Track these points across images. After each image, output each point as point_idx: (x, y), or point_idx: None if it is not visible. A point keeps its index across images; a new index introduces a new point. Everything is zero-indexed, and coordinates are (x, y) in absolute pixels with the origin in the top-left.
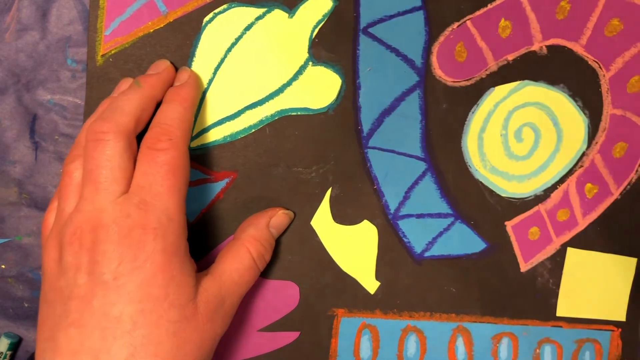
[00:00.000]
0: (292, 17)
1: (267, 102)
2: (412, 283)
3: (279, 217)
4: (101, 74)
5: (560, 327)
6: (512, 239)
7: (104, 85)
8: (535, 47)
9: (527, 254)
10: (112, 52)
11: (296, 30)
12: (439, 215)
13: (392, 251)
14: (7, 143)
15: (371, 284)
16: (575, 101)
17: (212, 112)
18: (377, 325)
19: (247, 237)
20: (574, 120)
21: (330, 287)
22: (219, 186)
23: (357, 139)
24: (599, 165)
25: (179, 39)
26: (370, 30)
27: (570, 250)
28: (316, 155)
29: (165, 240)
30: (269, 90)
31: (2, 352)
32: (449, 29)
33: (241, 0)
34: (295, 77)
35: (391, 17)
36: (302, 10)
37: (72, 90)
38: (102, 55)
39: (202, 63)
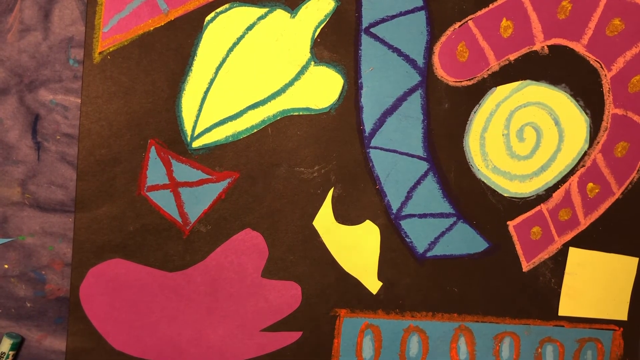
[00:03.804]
0: (294, 17)
1: (269, 102)
2: (414, 283)
3: None
4: (98, 71)
5: (562, 326)
6: (514, 238)
7: (102, 84)
8: (536, 47)
9: (529, 253)
10: (110, 49)
11: (298, 30)
12: (441, 215)
13: (394, 251)
14: (10, 143)
15: (373, 284)
16: (577, 101)
17: (214, 112)
18: (379, 325)
19: None
20: (575, 119)
21: (333, 287)
22: (220, 186)
23: (359, 139)
24: (600, 165)
25: (180, 38)
26: (372, 30)
27: (572, 250)
28: (318, 155)
29: None
30: (271, 90)
31: (4, 353)
32: (451, 28)
33: (243, 0)
34: (297, 77)
35: (393, 17)
36: (304, 10)
37: (74, 90)
38: (100, 53)
39: (203, 62)
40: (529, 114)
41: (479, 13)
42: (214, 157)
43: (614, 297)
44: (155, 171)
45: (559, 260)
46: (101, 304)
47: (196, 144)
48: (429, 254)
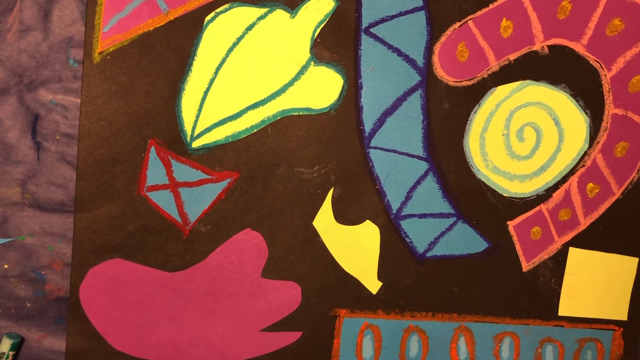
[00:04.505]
0: (293, 17)
1: (269, 102)
2: (414, 283)
3: None
4: (98, 71)
5: (562, 326)
6: (514, 238)
7: (101, 84)
8: (536, 47)
9: (529, 253)
10: (110, 49)
11: (298, 30)
12: (441, 215)
13: (394, 251)
14: (10, 143)
15: (373, 284)
16: (577, 101)
17: (214, 112)
18: (379, 325)
19: None
20: (575, 119)
21: (332, 287)
22: (220, 186)
23: (359, 139)
24: (600, 165)
25: (180, 38)
26: (372, 30)
27: (572, 250)
28: (318, 155)
29: None
30: (271, 90)
31: (4, 353)
32: (451, 28)
33: (243, 0)
34: (297, 77)
35: (393, 17)
36: (303, 10)
37: (73, 90)
38: (100, 53)
39: (203, 62)
40: (529, 114)
41: (478, 13)
42: (213, 157)
43: (614, 297)
44: (155, 171)
45: (559, 260)
46: (101, 304)
47: (196, 144)
48: (428, 254)
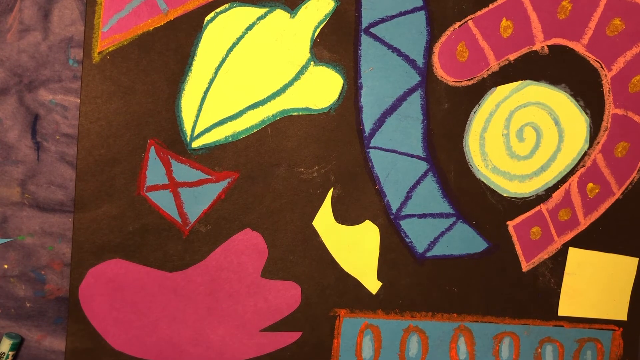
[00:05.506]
0: (293, 17)
1: (268, 102)
2: (413, 283)
3: None
4: (97, 71)
5: (562, 326)
6: (514, 238)
7: (101, 84)
8: (536, 47)
9: (529, 253)
10: (110, 49)
11: (298, 30)
12: (441, 215)
13: (394, 251)
14: (9, 143)
15: (373, 284)
16: (577, 101)
17: (214, 112)
18: (379, 325)
19: None
20: (575, 119)
21: (332, 287)
22: (220, 186)
23: (358, 139)
24: (600, 165)
25: (180, 38)
26: (371, 30)
27: (571, 250)
28: (318, 155)
29: None
30: (271, 90)
31: (4, 353)
32: (451, 28)
33: (243, 0)
34: (296, 77)
35: (392, 17)
36: (303, 10)
37: (73, 90)
38: (99, 53)
39: (203, 62)
40: (528, 114)
41: (478, 13)
42: (213, 157)
43: (613, 297)
44: (154, 171)
45: (559, 260)
46: (101, 304)
47: (196, 144)
48: (428, 254)
